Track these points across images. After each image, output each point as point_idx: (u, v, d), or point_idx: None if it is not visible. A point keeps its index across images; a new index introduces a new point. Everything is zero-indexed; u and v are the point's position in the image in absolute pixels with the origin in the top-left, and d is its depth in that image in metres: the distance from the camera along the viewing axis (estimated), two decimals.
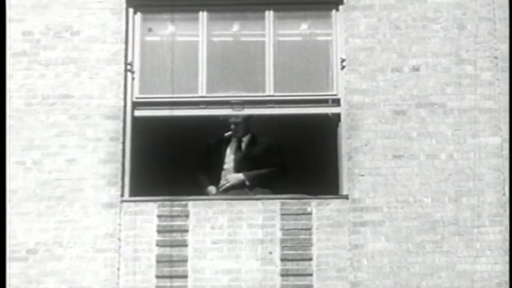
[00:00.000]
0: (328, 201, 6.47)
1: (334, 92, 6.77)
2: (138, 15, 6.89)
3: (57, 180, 6.50)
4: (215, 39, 6.89)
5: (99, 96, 6.63)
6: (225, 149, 7.04)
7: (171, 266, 6.34)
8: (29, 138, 6.58)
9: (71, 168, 6.51)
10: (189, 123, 6.98)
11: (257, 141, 7.06)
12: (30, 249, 6.41)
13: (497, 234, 6.35)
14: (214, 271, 6.34)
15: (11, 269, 6.25)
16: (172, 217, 6.41)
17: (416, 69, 6.63)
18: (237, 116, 6.88)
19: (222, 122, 7.02)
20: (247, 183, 6.83)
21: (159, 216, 6.45)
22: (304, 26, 6.88)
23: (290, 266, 6.36)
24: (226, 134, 7.07)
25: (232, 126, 6.96)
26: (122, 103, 6.66)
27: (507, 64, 6.54)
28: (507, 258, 6.24)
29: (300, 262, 6.36)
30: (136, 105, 6.76)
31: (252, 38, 6.89)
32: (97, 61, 6.68)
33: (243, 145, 7.06)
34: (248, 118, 6.97)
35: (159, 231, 6.42)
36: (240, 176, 6.85)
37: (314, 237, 6.39)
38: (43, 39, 6.72)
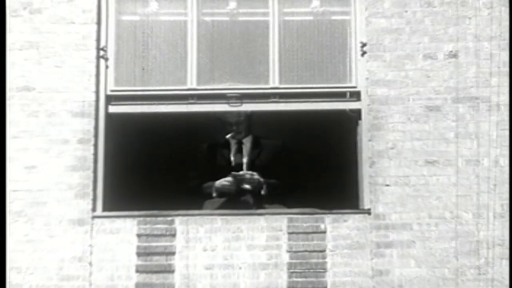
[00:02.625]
0: (345, 216, 6.19)
1: (353, 84, 6.42)
2: None
3: (14, 192, 6.20)
4: (207, 18, 6.55)
5: (66, 88, 6.30)
6: (223, 154, 6.68)
7: None
8: None
9: (31, 177, 6.20)
10: (176, 121, 6.69)
11: (261, 145, 6.73)
12: None
13: None
14: None
15: None
16: (155, 236, 6.13)
17: (453, 55, 6.31)
18: (239, 114, 6.57)
19: (219, 121, 6.73)
20: (262, 192, 6.44)
21: (139, 236, 6.15)
22: (315, 3, 6.54)
23: None
24: (227, 136, 6.69)
25: (234, 127, 6.64)
26: (93, 97, 6.34)
27: None
28: None
29: None
30: (110, 99, 6.41)
31: (252, 17, 6.57)
32: (63, 46, 6.35)
33: (245, 149, 6.70)
34: (250, 115, 6.66)
35: (139, 254, 6.13)
36: (260, 179, 6.46)
37: (329, 260, 6.13)
38: None
